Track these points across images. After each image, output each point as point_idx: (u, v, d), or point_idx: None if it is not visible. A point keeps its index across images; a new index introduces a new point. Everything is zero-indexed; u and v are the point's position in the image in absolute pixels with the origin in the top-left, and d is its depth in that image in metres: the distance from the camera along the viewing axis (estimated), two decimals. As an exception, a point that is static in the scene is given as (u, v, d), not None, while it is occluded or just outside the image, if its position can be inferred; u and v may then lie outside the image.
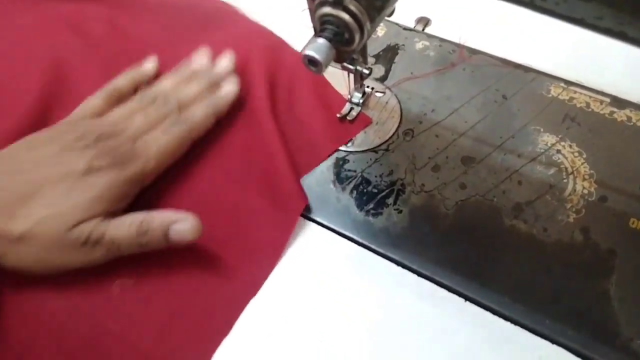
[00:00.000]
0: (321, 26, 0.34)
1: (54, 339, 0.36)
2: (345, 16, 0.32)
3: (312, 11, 0.35)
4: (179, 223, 0.38)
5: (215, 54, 0.51)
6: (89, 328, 0.37)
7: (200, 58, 0.50)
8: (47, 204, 0.35)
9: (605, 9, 0.23)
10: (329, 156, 0.47)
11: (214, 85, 0.47)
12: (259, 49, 0.52)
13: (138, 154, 0.40)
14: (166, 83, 0.47)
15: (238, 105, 0.48)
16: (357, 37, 0.33)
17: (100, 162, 0.38)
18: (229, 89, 0.48)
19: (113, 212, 0.38)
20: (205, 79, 0.47)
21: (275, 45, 0.53)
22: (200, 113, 0.45)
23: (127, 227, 0.37)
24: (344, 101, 0.50)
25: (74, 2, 0.56)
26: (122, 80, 0.46)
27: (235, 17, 0.58)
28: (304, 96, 0.50)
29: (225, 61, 0.50)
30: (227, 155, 0.46)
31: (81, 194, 0.36)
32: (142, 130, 0.42)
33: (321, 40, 0.33)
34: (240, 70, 0.50)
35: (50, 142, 0.39)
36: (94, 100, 0.44)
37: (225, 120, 0.47)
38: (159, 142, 0.41)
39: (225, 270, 0.40)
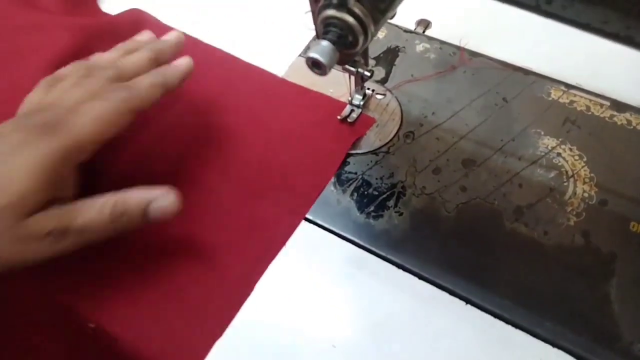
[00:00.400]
0: (325, 28, 0.34)
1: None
2: (350, 19, 0.32)
3: (315, 13, 0.35)
4: (159, 200, 0.35)
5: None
6: (78, 327, 0.37)
7: (143, 34, 0.46)
8: None
9: (611, 13, 0.23)
10: (342, 161, 0.47)
11: (162, 60, 0.42)
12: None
13: (70, 122, 0.34)
14: (104, 55, 0.42)
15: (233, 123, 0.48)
16: (360, 39, 0.33)
17: (25, 135, 0.32)
18: (183, 62, 0.43)
19: (60, 198, 0.34)
20: (149, 51, 0.42)
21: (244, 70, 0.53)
22: (145, 81, 0.39)
23: (98, 211, 0.34)
24: (337, 103, 0.49)
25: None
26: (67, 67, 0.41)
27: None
28: (295, 112, 0.50)
29: (173, 35, 0.45)
30: (237, 165, 0.46)
31: (8, 175, 0.31)
32: (79, 102, 0.36)
33: (325, 43, 0.33)
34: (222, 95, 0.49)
35: None
36: (36, 92, 0.39)
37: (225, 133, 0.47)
38: (94, 109, 0.35)
39: (220, 268, 0.40)
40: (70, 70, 0.39)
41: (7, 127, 0.34)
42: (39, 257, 0.33)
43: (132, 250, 0.40)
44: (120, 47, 0.43)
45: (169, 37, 0.45)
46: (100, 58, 0.42)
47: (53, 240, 0.32)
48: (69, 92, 0.37)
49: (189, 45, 0.47)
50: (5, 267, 0.32)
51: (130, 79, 0.39)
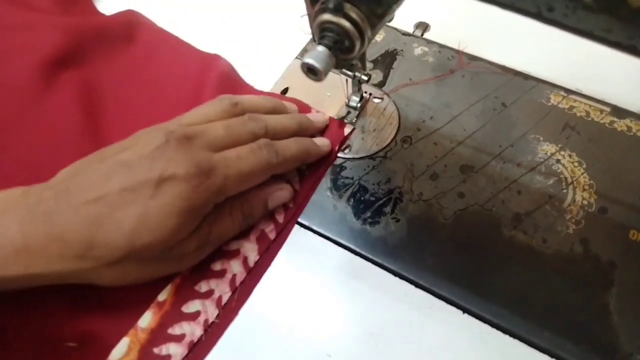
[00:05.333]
0: (321, 33, 0.33)
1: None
2: (346, 24, 0.31)
3: (312, 17, 0.34)
4: (278, 192, 0.38)
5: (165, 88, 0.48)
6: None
7: (292, 106, 0.46)
8: (125, 232, 0.31)
9: (615, 22, 0.22)
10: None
11: (303, 135, 0.42)
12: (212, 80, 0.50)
13: (220, 173, 0.34)
14: (255, 99, 0.42)
15: None
16: (357, 44, 0.33)
17: (175, 170, 0.32)
18: (325, 144, 0.43)
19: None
20: (296, 119, 0.42)
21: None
22: (295, 148, 0.39)
23: (230, 217, 0.36)
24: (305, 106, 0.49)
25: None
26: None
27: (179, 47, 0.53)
28: None
29: (321, 118, 0.45)
30: None
31: (159, 213, 0.32)
32: (222, 142, 0.36)
33: (321, 48, 0.32)
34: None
35: (123, 149, 0.35)
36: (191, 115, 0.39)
37: None
38: (243, 163, 0.35)
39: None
40: (221, 106, 0.39)
41: (159, 151, 0.33)
42: (183, 269, 0.36)
43: None
44: (267, 99, 0.43)
45: (316, 118, 0.45)
46: (251, 100, 0.41)
47: (196, 255, 0.35)
48: (214, 125, 0.37)
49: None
50: (153, 279, 0.36)
51: (275, 136, 0.39)
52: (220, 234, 0.36)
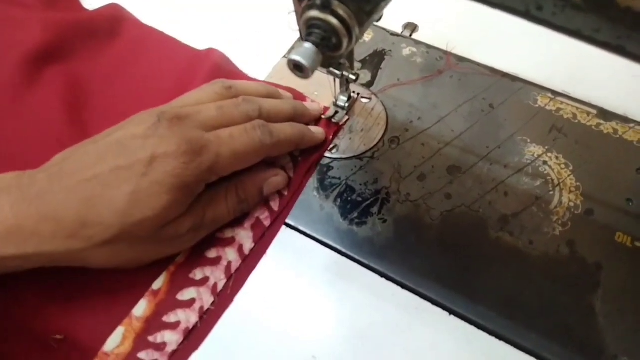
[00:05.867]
0: (308, 30, 0.33)
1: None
2: (334, 20, 0.31)
3: (299, 14, 0.34)
4: (274, 178, 0.39)
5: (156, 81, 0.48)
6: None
7: (287, 94, 0.47)
8: (117, 210, 0.31)
9: (603, 21, 0.22)
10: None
11: (298, 121, 0.43)
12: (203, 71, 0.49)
13: (212, 150, 0.34)
14: (249, 84, 0.42)
15: None
16: (345, 42, 0.32)
17: (166, 148, 0.32)
18: (320, 131, 0.44)
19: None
20: (291, 104, 0.43)
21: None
22: (289, 131, 0.39)
23: (225, 201, 0.37)
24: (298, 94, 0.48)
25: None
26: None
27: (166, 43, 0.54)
28: None
29: (316, 107, 0.46)
30: None
31: (150, 191, 0.32)
32: (214, 122, 0.36)
33: (308, 45, 0.32)
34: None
35: (116, 130, 0.35)
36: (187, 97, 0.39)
37: None
38: (236, 142, 0.35)
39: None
40: (214, 89, 0.39)
41: (152, 129, 0.33)
42: (177, 251, 0.37)
43: None
44: (263, 85, 0.43)
45: (312, 106, 0.46)
46: (245, 85, 0.42)
47: (190, 237, 0.36)
48: (207, 106, 0.37)
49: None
50: (144, 264, 0.36)
51: (270, 119, 0.39)
52: (215, 217, 0.36)
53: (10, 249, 0.30)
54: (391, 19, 0.57)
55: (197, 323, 0.36)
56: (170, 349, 0.35)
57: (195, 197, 0.35)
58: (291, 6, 0.35)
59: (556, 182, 0.44)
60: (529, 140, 0.47)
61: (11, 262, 0.31)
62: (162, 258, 0.37)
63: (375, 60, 0.54)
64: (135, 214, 0.31)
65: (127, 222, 0.31)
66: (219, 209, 0.37)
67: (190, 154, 0.33)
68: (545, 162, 0.46)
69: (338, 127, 0.47)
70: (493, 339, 0.37)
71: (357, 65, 0.53)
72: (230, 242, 0.39)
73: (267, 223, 0.41)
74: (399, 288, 0.39)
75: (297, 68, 0.32)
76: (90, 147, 0.34)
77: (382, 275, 0.40)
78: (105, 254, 0.33)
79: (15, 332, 0.35)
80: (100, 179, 0.31)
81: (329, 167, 0.46)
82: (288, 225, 0.42)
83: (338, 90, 0.47)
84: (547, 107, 0.49)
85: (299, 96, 0.48)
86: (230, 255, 0.39)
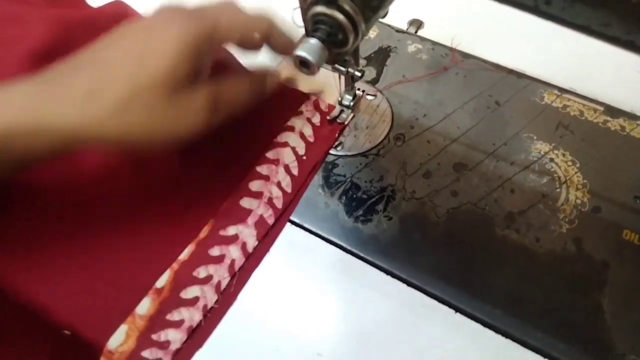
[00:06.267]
0: (314, 26, 0.32)
1: None
2: (340, 16, 0.31)
3: (304, 10, 0.34)
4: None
5: None
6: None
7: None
8: (126, 73, 0.33)
9: (613, 16, 0.22)
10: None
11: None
12: None
13: (210, 15, 0.35)
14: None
15: None
16: (351, 38, 0.32)
17: (171, 13, 0.34)
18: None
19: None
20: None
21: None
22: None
23: (237, 82, 0.36)
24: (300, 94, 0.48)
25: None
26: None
27: None
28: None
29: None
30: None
31: (156, 49, 0.33)
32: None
33: (313, 41, 0.32)
34: None
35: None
36: None
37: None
38: (236, 12, 0.36)
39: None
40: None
41: (155, 12, 0.34)
42: (192, 131, 0.34)
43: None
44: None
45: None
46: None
47: (205, 115, 0.34)
48: None
49: None
50: (160, 142, 0.34)
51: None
52: (229, 98, 0.36)
53: (28, 118, 0.31)
54: (396, 15, 0.57)
55: (201, 321, 0.36)
56: (174, 347, 0.35)
57: (208, 73, 0.35)
58: (296, 2, 0.35)
59: (563, 179, 0.44)
60: (535, 138, 0.47)
61: (22, 139, 0.31)
62: (165, 256, 0.37)
63: (381, 57, 0.54)
64: (141, 77, 0.32)
65: (136, 83, 0.32)
66: (233, 89, 0.36)
67: (191, 17, 0.34)
68: (551, 160, 0.45)
69: (343, 125, 0.47)
70: (499, 336, 0.37)
71: (362, 62, 0.53)
72: (233, 239, 0.39)
73: (270, 221, 0.40)
74: (405, 285, 0.39)
75: (303, 64, 0.32)
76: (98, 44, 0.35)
77: (387, 272, 0.40)
78: (118, 124, 0.33)
79: (24, 328, 0.35)
80: (105, 53, 0.34)
81: (334, 165, 0.45)
82: (293, 223, 0.42)
83: (343, 87, 0.47)
84: (554, 104, 0.49)
85: (302, 96, 0.48)
86: (234, 253, 0.39)
